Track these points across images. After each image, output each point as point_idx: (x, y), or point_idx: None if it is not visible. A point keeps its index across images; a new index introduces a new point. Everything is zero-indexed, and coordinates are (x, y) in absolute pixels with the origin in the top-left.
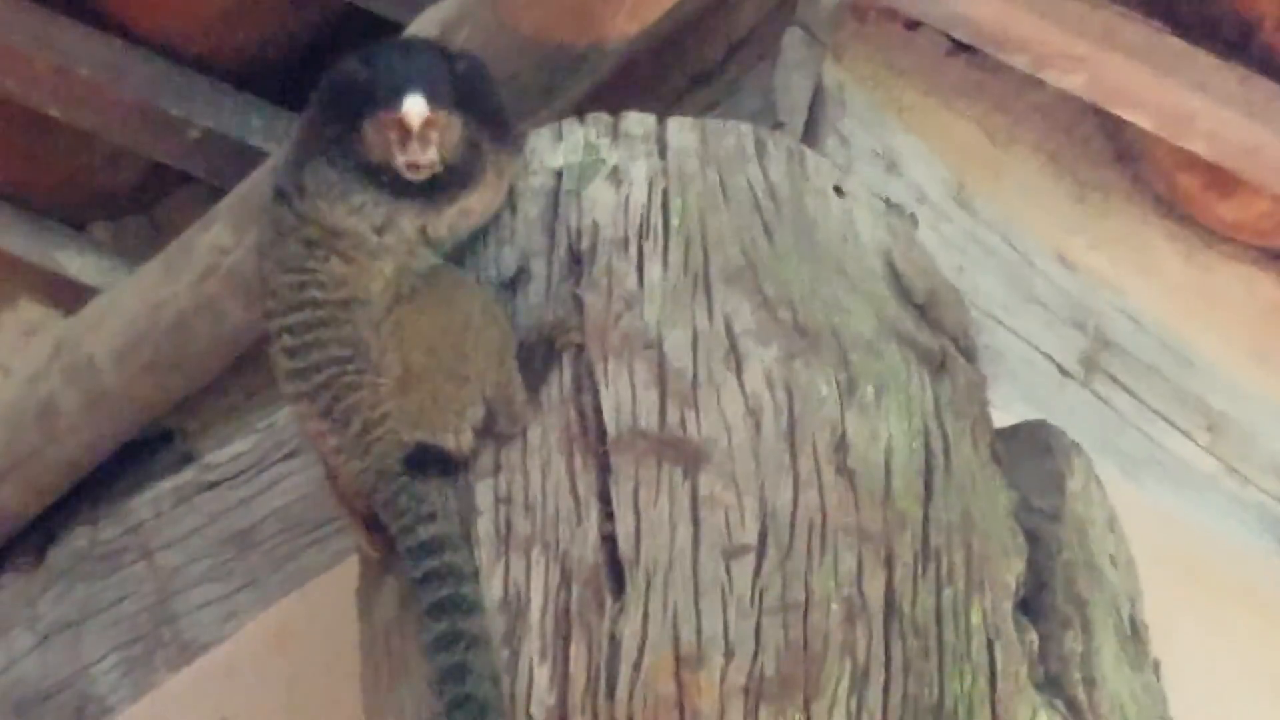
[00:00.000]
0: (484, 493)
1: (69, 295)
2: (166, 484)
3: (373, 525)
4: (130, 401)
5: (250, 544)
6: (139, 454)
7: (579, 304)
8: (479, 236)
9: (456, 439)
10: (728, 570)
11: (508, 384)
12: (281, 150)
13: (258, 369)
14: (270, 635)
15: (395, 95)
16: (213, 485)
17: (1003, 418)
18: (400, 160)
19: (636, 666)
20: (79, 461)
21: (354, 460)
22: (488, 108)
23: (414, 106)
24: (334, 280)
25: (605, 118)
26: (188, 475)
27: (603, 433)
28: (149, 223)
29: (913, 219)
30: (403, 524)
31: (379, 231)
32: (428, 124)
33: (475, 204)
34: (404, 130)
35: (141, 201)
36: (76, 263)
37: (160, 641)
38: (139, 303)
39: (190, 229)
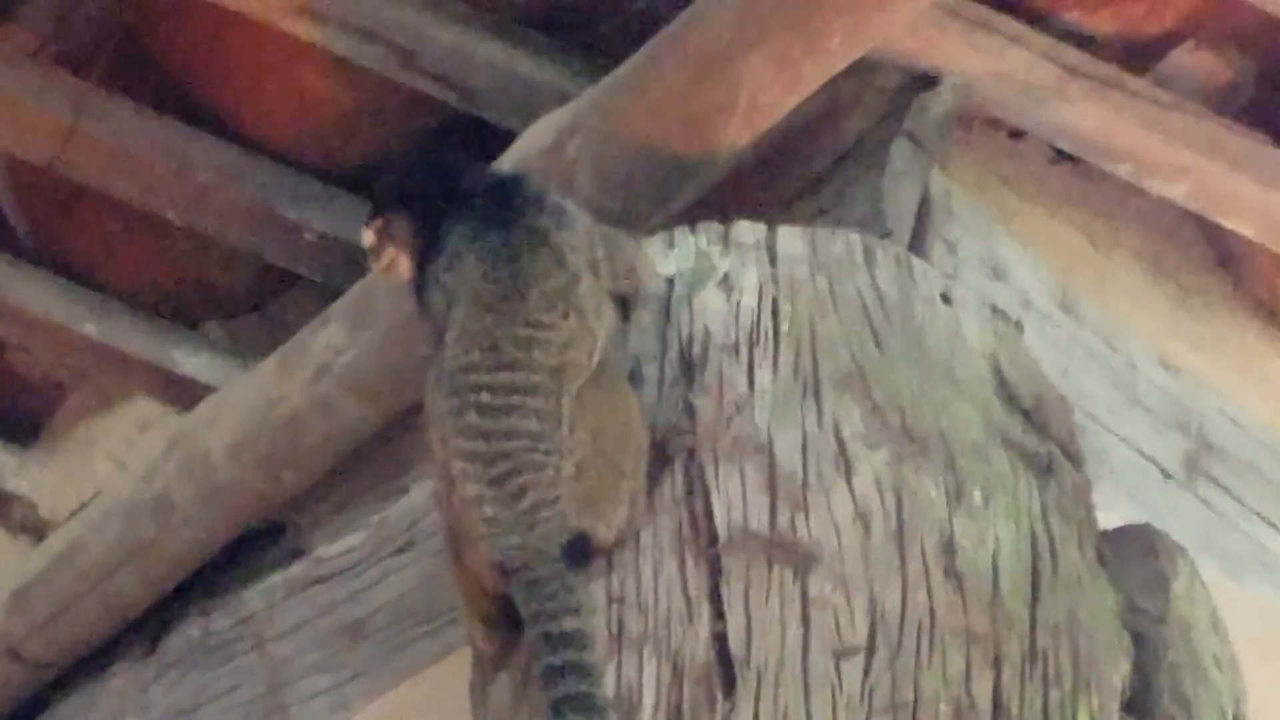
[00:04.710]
0: (597, 592)
1: (184, 393)
2: (278, 576)
3: (489, 620)
4: (244, 496)
5: (361, 635)
6: (251, 547)
7: (690, 409)
8: None
9: (607, 532)
10: (837, 670)
11: (641, 485)
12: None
13: (369, 465)
14: None
15: None
16: (324, 578)
17: (1107, 519)
18: None
19: None
20: (192, 554)
21: (511, 535)
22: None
23: None
24: (561, 342)
25: (716, 226)
26: (299, 568)
27: (714, 534)
28: (263, 322)
29: (1018, 325)
30: (548, 610)
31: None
32: None
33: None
34: None
35: (256, 301)
36: (191, 361)
37: None
38: (253, 400)
39: (304, 329)
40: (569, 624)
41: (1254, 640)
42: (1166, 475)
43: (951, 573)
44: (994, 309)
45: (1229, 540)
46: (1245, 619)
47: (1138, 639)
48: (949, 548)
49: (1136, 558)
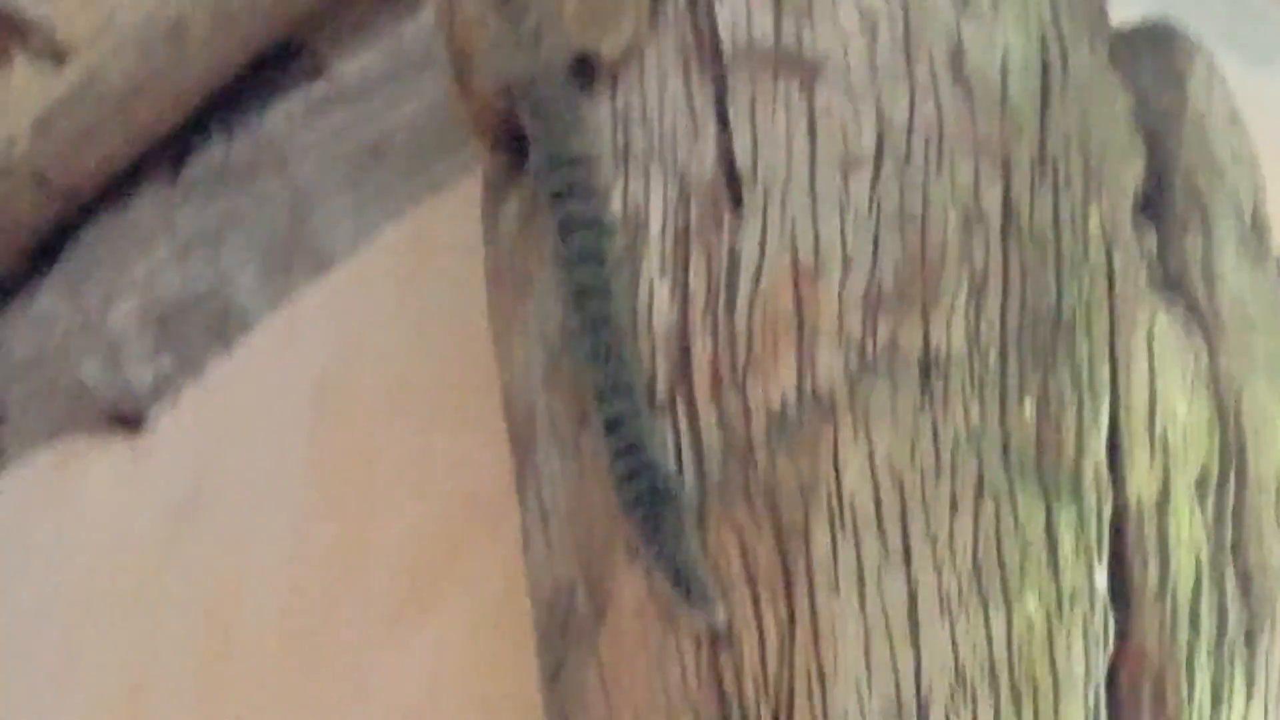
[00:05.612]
0: (603, 111)
1: None
2: (297, 97)
3: (496, 143)
4: (259, 16)
5: (382, 155)
6: (269, 69)
7: None
8: None
9: (612, 50)
10: (845, 182)
11: (645, 1)
12: None
13: None
14: (403, 243)
15: None
16: (342, 98)
17: (1121, 16)
18: None
19: (755, 280)
20: (210, 78)
21: (516, 55)
22: None
23: None
24: None
25: None
26: (318, 88)
27: (719, 48)
28: None
29: None
30: (553, 130)
31: None
32: None
33: None
34: None
35: None
36: None
37: (296, 251)
38: None
39: None
40: (574, 144)
41: (1275, 132)
42: None
43: (960, 80)
44: None
45: (1252, 31)
46: (1266, 111)
47: (1151, 139)
48: (957, 54)
49: (1151, 55)
